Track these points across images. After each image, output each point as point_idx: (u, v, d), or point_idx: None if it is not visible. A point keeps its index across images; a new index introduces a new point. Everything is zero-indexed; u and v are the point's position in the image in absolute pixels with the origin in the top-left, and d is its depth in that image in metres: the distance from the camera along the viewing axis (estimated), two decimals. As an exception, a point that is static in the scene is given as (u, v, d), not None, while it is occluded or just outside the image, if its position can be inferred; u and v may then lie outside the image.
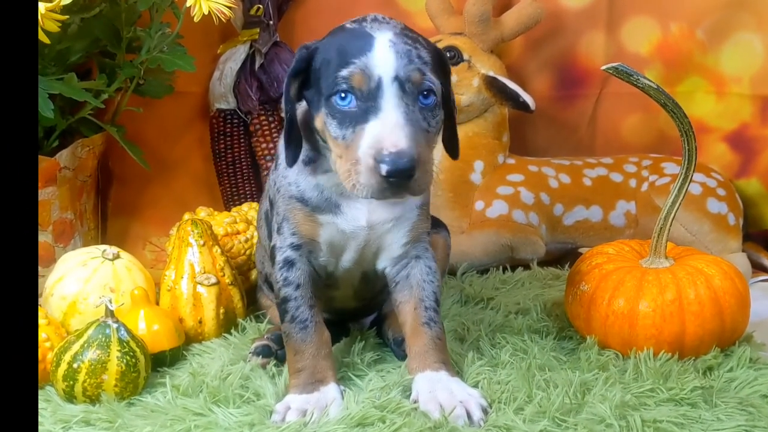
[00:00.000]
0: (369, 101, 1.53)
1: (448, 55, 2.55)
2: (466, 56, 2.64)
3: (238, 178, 2.78)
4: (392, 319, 1.92)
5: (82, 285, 1.97)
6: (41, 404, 1.68)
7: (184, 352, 1.94)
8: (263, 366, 1.83)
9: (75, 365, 1.68)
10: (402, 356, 1.83)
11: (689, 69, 2.78)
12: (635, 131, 2.85)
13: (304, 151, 1.70)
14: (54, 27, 1.94)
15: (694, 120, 1.92)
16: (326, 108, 1.57)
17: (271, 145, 2.74)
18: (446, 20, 2.73)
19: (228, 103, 2.75)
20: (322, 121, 1.59)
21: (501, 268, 2.56)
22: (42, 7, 1.89)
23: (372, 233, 1.73)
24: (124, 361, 1.69)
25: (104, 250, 2.03)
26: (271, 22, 2.71)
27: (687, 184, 1.91)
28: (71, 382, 1.68)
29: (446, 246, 2.05)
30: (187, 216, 2.23)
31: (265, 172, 2.75)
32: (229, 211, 2.40)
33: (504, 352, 1.86)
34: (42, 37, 1.92)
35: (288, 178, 1.73)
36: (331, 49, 1.59)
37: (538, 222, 2.60)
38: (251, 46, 2.73)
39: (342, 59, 1.55)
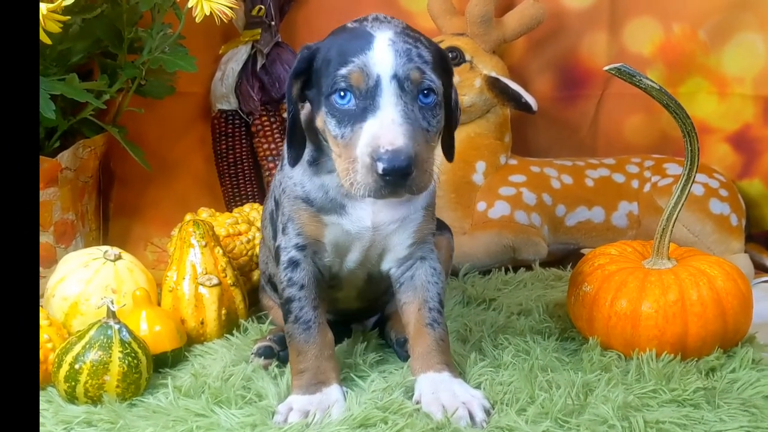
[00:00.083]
0: (367, 100, 1.53)
1: (450, 55, 2.55)
2: (468, 57, 2.64)
3: (240, 178, 2.78)
4: (395, 319, 1.92)
5: (83, 286, 1.97)
6: (43, 405, 1.68)
7: (185, 353, 1.94)
8: (265, 367, 1.83)
9: (77, 366, 1.68)
10: (404, 357, 1.82)
11: (691, 70, 2.78)
12: (637, 132, 2.85)
13: (309, 152, 1.70)
14: (55, 27, 1.94)
15: (696, 121, 1.92)
16: (326, 107, 1.57)
17: (272, 146, 2.74)
18: (448, 21, 2.73)
19: (229, 103, 2.75)
20: (322, 120, 1.59)
21: (503, 269, 2.56)
22: (43, 7, 1.89)
23: (377, 234, 1.73)
24: (126, 362, 1.69)
25: (106, 251, 2.03)
26: (273, 23, 2.71)
27: (689, 184, 1.91)
28: (73, 383, 1.68)
29: (449, 248, 2.05)
30: (188, 217, 2.23)
31: (267, 173, 2.75)
32: (231, 211, 2.40)
33: (506, 353, 1.86)
34: (43, 37, 1.92)
35: (293, 178, 1.73)
36: (332, 49, 1.59)
37: (540, 223, 2.60)
38: (253, 47, 2.73)
39: (341, 58, 1.55)
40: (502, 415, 1.58)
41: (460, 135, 1.83)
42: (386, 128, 1.49)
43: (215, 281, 2.03)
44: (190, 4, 2.13)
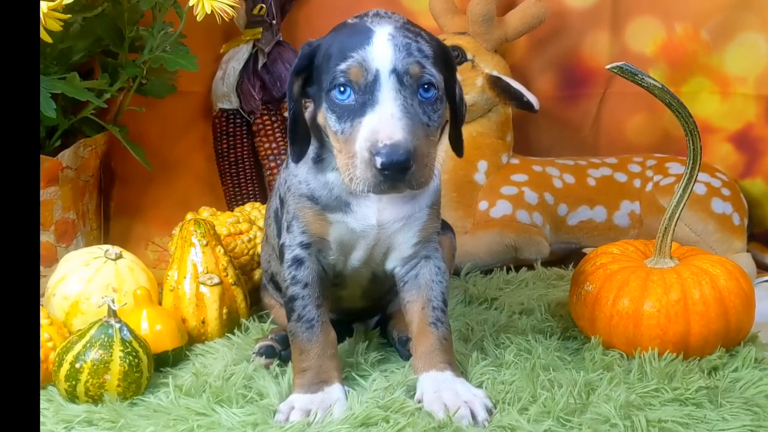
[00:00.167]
0: (367, 94, 1.53)
1: (452, 54, 2.55)
2: (469, 56, 2.64)
3: (241, 178, 2.78)
4: (397, 318, 1.92)
5: (84, 285, 1.96)
6: (43, 404, 1.68)
7: (186, 352, 1.94)
8: (266, 366, 1.82)
9: (77, 365, 1.68)
10: (407, 356, 1.82)
11: (694, 69, 2.78)
12: (639, 131, 2.85)
13: (314, 149, 1.70)
14: (56, 26, 1.94)
15: (698, 120, 1.92)
16: (326, 103, 1.57)
17: (274, 145, 2.74)
18: (450, 20, 2.73)
19: (231, 102, 2.75)
20: (323, 116, 1.59)
21: (505, 268, 2.55)
22: (44, 6, 1.89)
23: (382, 232, 1.72)
24: (127, 361, 1.69)
25: (107, 250, 2.03)
26: (274, 22, 2.71)
27: (692, 183, 1.90)
28: (73, 382, 1.68)
29: (452, 247, 2.04)
30: (189, 216, 2.23)
31: (268, 172, 2.75)
32: (232, 211, 2.40)
33: (508, 352, 1.86)
34: (44, 36, 1.92)
35: (298, 176, 1.72)
36: (332, 45, 1.59)
37: (542, 222, 2.60)
38: (254, 46, 2.73)
39: (341, 54, 1.55)
40: (504, 414, 1.58)
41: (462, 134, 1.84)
42: (385, 122, 1.49)
43: (216, 280, 2.03)
44: (191, 3, 2.13)
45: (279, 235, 1.81)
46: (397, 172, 1.48)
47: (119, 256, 2.02)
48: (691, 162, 1.89)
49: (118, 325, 1.72)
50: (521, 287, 2.40)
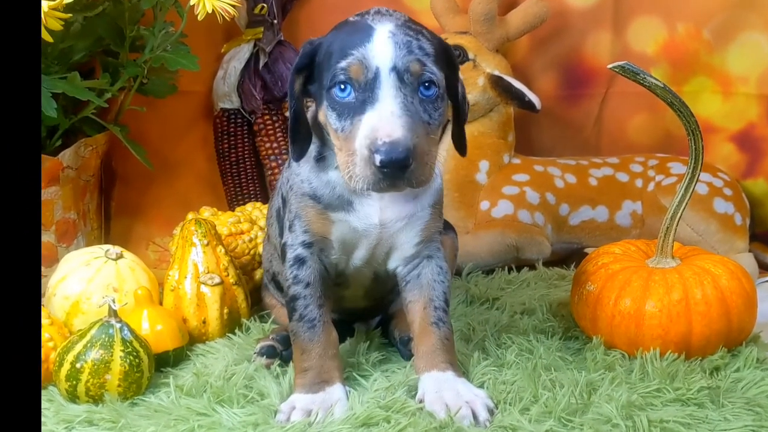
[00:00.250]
0: (367, 92, 1.52)
1: (453, 54, 2.55)
2: (471, 55, 2.64)
3: (242, 177, 2.78)
4: (399, 318, 1.92)
5: (85, 285, 1.96)
6: (44, 404, 1.67)
7: (187, 352, 1.94)
8: (267, 366, 1.82)
9: (78, 365, 1.67)
10: (408, 356, 1.82)
11: (696, 69, 2.77)
12: (641, 131, 2.84)
13: (316, 148, 1.70)
14: (57, 25, 1.94)
15: (700, 120, 1.91)
16: (327, 100, 1.57)
17: (275, 145, 2.74)
18: (451, 19, 2.72)
19: (232, 102, 2.75)
20: (324, 114, 1.59)
21: (506, 268, 2.55)
22: (45, 5, 1.88)
23: (384, 231, 1.72)
24: (128, 361, 1.69)
25: (107, 250, 2.02)
26: (275, 21, 2.71)
27: (693, 183, 1.90)
28: (74, 382, 1.68)
29: (454, 247, 2.04)
30: (190, 216, 2.22)
31: (269, 172, 2.75)
32: (233, 210, 2.40)
33: (510, 353, 1.85)
34: (45, 35, 1.92)
35: (300, 175, 1.72)
36: (333, 43, 1.59)
37: (544, 222, 2.59)
38: (255, 45, 2.73)
39: (342, 51, 1.55)
40: (505, 415, 1.58)
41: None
42: (384, 120, 1.49)
43: (217, 280, 2.02)
44: (192, 2, 2.12)
45: (281, 235, 1.80)
46: (397, 170, 1.48)
47: (120, 256, 2.02)
48: (692, 162, 1.88)
49: (118, 325, 1.72)
50: (523, 287, 2.40)
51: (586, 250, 2.55)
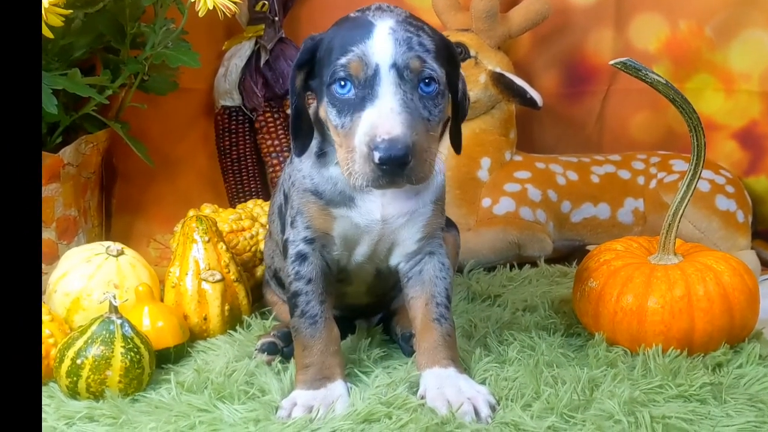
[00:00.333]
0: (366, 89, 1.52)
1: (455, 51, 2.55)
2: (472, 52, 2.63)
3: (243, 175, 2.77)
4: (401, 314, 1.91)
5: (85, 281, 1.96)
6: (45, 400, 1.67)
7: (188, 349, 1.94)
8: (268, 363, 1.82)
9: (79, 361, 1.67)
10: (409, 352, 1.82)
11: (698, 66, 2.77)
12: (643, 128, 2.84)
13: (317, 144, 1.70)
14: (58, 22, 1.94)
15: (702, 117, 1.91)
16: (327, 97, 1.57)
17: (276, 142, 2.74)
18: (453, 16, 2.72)
19: (233, 99, 2.75)
20: (324, 110, 1.59)
21: (508, 265, 2.55)
22: (45, 1, 1.88)
23: (386, 227, 1.72)
24: (128, 357, 1.68)
25: (108, 247, 2.02)
26: (277, 19, 2.71)
27: (696, 180, 1.90)
28: (75, 378, 1.67)
29: (456, 244, 2.04)
30: (191, 212, 2.22)
31: (270, 169, 2.75)
32: (234, 208, 2.40)
33: (511, 349, 1.85)
34: (45, 32, 1.92)
35: (302, 171, 1.72)
36: (334, 39, 1.58)
37: (546, 219, 2.59)
38: (256, 43, 2.73)
39: (342, 48, 1.55)
40: (507, 411, 1.57)
41: (465, 131, 1.82)
42: (384, 117, 1.48)
43: (218, 277, 2.02)
44: (193, -1, 2.13)
45: (283, 231, 1.80)
46: (396, 167, 1.47)
47: (121, 253, 2.02)
48: (695, 159, 1.88)
49: (119, 321, 1.71)
50: (524, 284, 2.40)
51: (588, 247, 2.55)
